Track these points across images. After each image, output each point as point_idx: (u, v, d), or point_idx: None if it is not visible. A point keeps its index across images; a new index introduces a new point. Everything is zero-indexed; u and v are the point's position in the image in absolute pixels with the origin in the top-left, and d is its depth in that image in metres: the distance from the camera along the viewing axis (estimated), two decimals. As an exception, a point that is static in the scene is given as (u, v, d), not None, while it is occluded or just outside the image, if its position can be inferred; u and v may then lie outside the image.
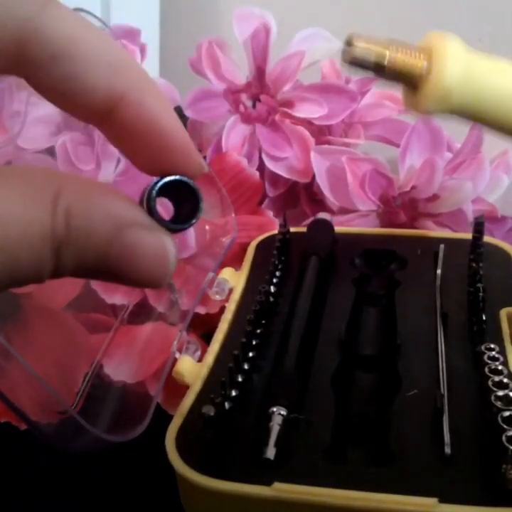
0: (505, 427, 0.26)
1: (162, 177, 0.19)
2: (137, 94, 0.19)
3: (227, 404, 0.30)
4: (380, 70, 0.19)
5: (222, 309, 0.39)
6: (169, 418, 0.31)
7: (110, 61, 0.18)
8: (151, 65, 0.62)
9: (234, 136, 0.49)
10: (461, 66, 0.18)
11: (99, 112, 0.19)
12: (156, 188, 0.19)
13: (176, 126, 0.19)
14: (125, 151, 0.20)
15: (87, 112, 0.19)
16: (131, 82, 0.19)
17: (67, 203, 0.17)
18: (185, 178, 0.19)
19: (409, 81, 0.19)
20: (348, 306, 0.37)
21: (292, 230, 0.43)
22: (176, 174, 0.19)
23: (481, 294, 0.34)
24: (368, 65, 0.19)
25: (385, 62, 0.18)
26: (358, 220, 0.46)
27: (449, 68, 0.18)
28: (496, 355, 0.31)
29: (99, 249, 0.17)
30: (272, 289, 0.38)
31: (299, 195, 0.51)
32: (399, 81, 0.19)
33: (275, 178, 0.50)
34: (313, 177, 0.47)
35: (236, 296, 0.39)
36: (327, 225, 0.43)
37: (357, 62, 0.18)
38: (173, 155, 0.19)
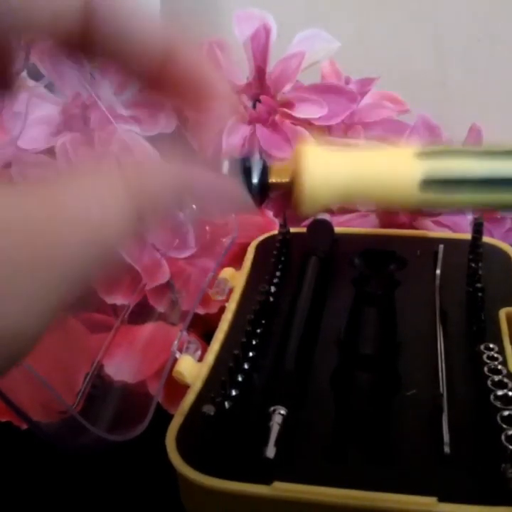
0: (504, 426, 0.27)
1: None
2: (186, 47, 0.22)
3: (227, 404, 0.30)
4: None
5: (222, 309, 0.39)
6: (170, 417, 0.31)
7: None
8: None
9: (234, 136, 0.49)
10: (319, 173, 0.21)
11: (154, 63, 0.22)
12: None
13: (216, 75, 0.23)
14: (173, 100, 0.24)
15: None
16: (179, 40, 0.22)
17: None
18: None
19: (282, 192, 0.23)
20: (347, 306, 0.38)
21: (292, 230, 0.43)
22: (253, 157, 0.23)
23: (480, 294, 0.34)
24: None
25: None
26: (357, 220, 0.47)
27: (307, 179, 0.21)
28: (495, 355, 0.31)
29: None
30: (272, 289, 0.38)
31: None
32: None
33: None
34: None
35: (236, 296, 0.39)
36: (327, 225, 0.43)
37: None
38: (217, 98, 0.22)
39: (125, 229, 0.18)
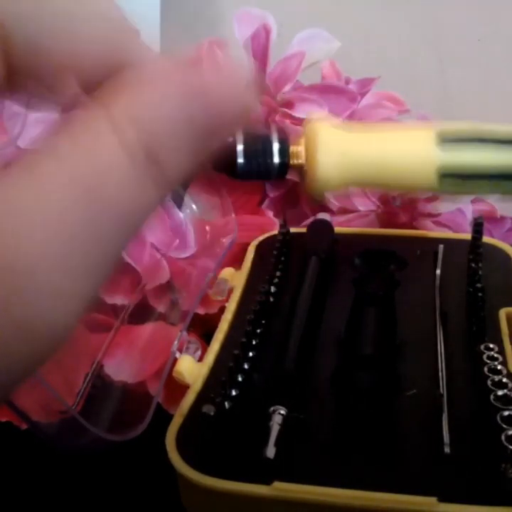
0: (504, 426, 0.26)
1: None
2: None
3: (227, 404, 0.30)
4: None
5: (222, 309, 0.39)
6: (170, 417, 0.31)
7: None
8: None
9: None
10: (333, 157, 0.20)
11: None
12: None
13: None
14: None
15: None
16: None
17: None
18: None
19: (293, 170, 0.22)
20: (347, 306, 0.38)
21: (292, 230, 0.43)
22: None
23: (480, 294, 0.34)
24: None
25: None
26: (357, 220, 0.47)
27: (321, 162, 0.20)
28: (495, 355, 0.31)
29: None
30: (272, 289, 0.38)
31: (299, 195, 0.51)
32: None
33: (275, 179, 0.50)
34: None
35: (236, 296, 0.39)
36: (327, 225, 0.43)
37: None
38: None
39: (133, 178, 0.15)
